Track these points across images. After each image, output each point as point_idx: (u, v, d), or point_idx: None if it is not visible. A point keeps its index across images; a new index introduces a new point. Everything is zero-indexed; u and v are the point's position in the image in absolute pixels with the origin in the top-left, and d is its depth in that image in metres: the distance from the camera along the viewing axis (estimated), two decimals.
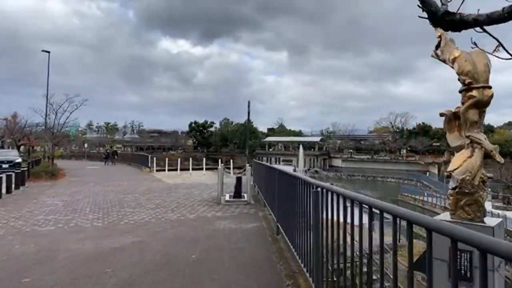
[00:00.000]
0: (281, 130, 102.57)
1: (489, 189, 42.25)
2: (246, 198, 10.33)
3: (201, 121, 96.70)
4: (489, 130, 78.83)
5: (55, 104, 24.71)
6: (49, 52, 31.77)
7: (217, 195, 10.30)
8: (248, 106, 11.16)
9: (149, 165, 24.95)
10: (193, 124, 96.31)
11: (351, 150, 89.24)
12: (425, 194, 44.60)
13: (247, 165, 11.95)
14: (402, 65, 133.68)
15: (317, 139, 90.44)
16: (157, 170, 24.95)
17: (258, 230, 6.73)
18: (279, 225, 5.92)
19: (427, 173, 70.14)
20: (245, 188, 10.84)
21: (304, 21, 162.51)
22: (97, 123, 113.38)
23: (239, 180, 10.64)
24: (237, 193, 10.53)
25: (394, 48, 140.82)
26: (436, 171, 68.82)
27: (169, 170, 24.80)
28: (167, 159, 23.86)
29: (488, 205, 35.92)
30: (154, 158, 25.09)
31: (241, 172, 12.21)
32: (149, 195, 12.25)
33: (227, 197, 10.61)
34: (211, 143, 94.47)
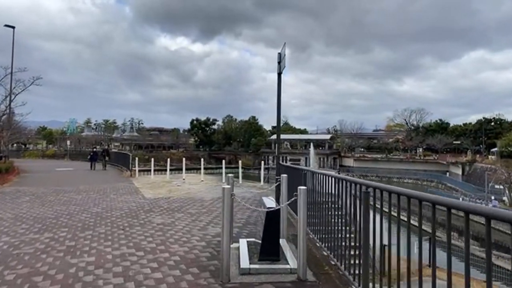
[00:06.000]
0: (286, 128, 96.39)
1: None
2: (290, 264, 4.16)
3: (203, 118, 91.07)
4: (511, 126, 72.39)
5: None
6: (13, 27, 26.77)
7: (222, 251, 4.09)
8: (280, 60, 6.01)
9: (130, 167, 18.77)
10: (194, 121, 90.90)
11: (362, 149, 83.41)
12: (460, 199, 38.76)
13: (281, 177, 5.54)
14: (405, 63, 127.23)
15: (327, 137, 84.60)
16: (142, 172, 18.97)
17: None
18: None
19: (447, 173, 64.21)
20: (282, 228, 4.73)
21: (305, 17, 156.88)
22: (96, 121, 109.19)
23: (273, 216, 4.38)
24: (269, 247, 4.35)
25: (397, 46, 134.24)
26: (459, 171, 62.53)
27: (156, 171, 18.76)
28: (152, 159, 17.69)
29: None
30: (136, 159, 18.92)
31: (269, 188, 6.06)
32: (86, 234, 6.15)
33: (243, 257, 4.47)
34: (214, 141, 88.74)
